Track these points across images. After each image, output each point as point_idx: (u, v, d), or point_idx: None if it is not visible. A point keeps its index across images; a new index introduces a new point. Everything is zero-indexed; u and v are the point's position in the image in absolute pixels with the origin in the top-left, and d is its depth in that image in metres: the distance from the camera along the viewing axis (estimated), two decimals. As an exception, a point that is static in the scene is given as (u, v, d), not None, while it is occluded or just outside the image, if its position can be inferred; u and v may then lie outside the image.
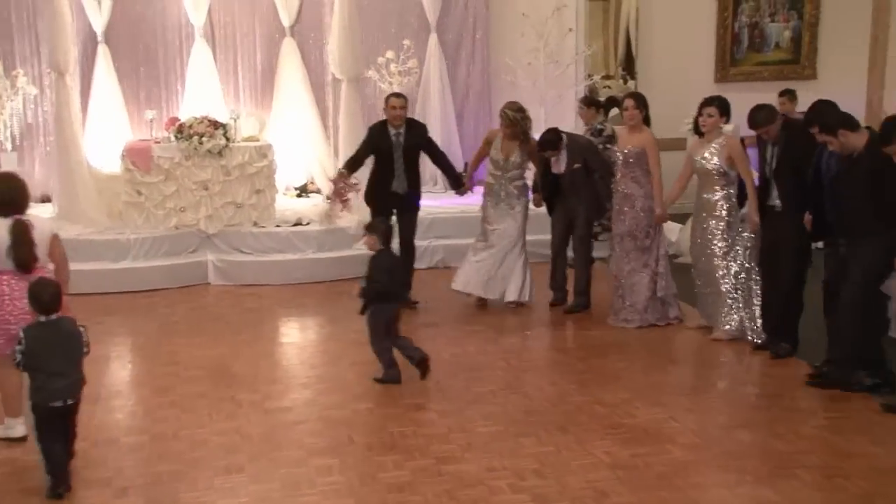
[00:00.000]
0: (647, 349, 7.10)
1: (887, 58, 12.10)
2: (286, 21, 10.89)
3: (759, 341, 6.97)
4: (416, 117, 10.74)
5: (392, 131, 7.99)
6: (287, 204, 10.28)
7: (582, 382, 6.29)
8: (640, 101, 7.55)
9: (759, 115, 6.67)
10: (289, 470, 5.03)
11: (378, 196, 8.08)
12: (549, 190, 8.11)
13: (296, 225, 9.61)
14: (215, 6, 10.77)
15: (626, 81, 13.07)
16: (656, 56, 12.07)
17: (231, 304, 8.56)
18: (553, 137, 7.89)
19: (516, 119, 7.89)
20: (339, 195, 8.26)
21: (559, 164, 7.95)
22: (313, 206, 10.21)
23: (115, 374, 6.76)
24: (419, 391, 6.19)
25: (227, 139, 9.45)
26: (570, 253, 8.27)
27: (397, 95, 8.13)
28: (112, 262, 9.13)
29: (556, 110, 10.78)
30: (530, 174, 8.37)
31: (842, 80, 11.59)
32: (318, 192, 10.75)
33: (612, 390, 6.12)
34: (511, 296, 8.04)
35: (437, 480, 4.85)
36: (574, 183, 7.94)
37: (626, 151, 7.52)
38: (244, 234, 9.47)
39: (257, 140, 10.10)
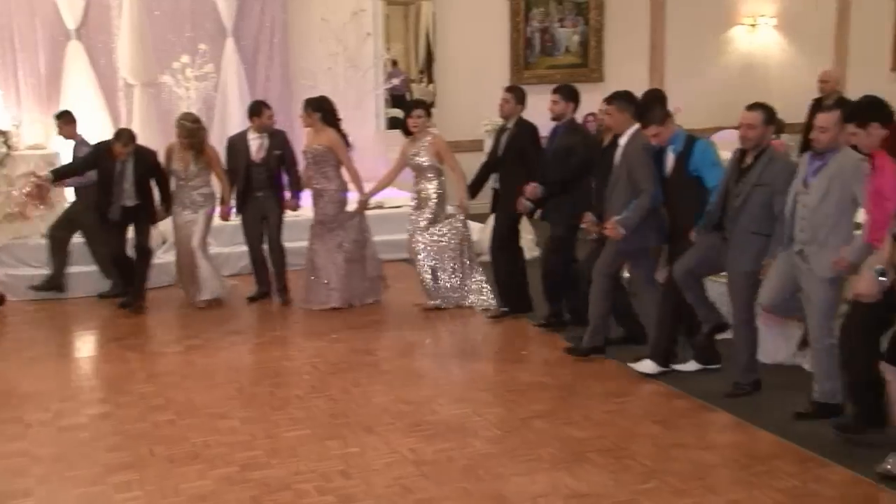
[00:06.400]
0: (451, 347, 7.28)
1: (665, 64, 12.97)
2: (71, 23, 10.40)
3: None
4: (215, 123, 10.57)
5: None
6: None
7: (387, 383, 6.36)
8: (311, 106, 8.06)
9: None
10: (85, 489, 4.82)
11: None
12: (241, 186, 8.29)
13: (89, 236, 9.20)
14: (-10, 6, 10.17)
15: (427, 84, 13.34)
16: (453, 60, 12.35)
17: (18, 321, 8.10)
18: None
19: (193, 130, 8.11)
20: (40, 197, 8.24)
21: (261, 151, 8.24)
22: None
23: None
24: (222, 400, 6.07)
25: (9, 147, 8.96)
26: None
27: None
28: None
29: (357, 115, 10.83)
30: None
31: (627, 83, 12.08)
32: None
33: (416, 389, 6.22)
34: (204, 295, 8.23)
35: (242, 487, 4.78)
36: (270, 170, 8.23)
37: (314, 150, 7.99)
38: (32, 247, 8.97)
39: (44, 148, 9.62)
